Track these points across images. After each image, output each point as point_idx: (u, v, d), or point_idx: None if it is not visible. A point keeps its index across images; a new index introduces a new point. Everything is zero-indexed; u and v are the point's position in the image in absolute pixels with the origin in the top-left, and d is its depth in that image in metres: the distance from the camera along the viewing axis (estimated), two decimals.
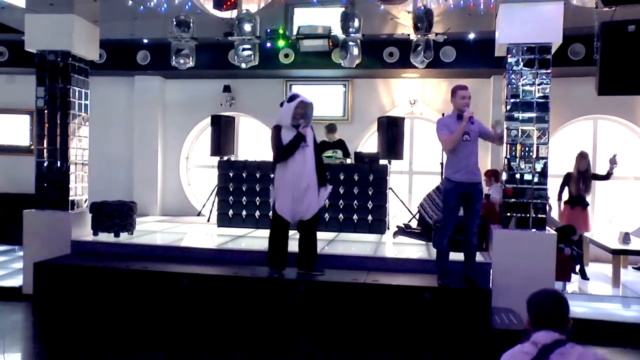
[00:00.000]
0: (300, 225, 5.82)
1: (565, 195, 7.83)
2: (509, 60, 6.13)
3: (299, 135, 5.60)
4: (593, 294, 6.67)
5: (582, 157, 7.70)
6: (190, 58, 7.59)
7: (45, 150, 7.05)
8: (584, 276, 7.22)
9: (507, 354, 2.48)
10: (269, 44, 8.04)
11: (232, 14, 6.93)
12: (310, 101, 5.74)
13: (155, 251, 6.82)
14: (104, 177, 9.78)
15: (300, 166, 5.63)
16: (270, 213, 5.88)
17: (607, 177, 7.62)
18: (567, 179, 7.78)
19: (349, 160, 8.55)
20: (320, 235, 7.65)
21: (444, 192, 5.52)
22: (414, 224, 8.11)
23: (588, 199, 7.85)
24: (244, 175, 8.46)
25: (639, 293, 6.86)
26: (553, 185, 7.34)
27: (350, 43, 7.25)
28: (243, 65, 7.48)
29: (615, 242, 7.38)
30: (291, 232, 7.97)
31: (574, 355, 2.30)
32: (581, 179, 7.64)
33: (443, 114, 5.63)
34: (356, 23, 7.04)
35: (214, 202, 9.24)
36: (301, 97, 5.70)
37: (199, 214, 10.11)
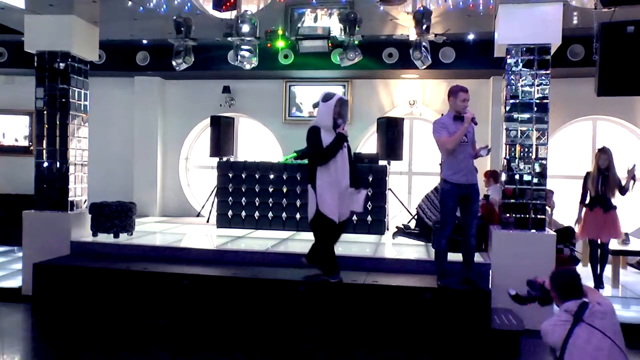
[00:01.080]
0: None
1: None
2: (508, 61, 6.14)
3: (341, 135, 5.44)
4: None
5: (602, 152, 6.78)
6: (189, 58, 7.58)
7: (44, 151, 7.05)
8: (600, 285, 6.91)
9: (548, 325, 3.19)
10: (268, 45, 8.04)
11: (231, 14, 6.92)
12: (347, 99, 5.55)
13: (155, 252, 6.82)
14: (104, 178, 9.78)
15: (341, 166, 5.47)
16: (310, 217, 5.57)
17: (623, 192, 6.75)
18: (586, 179, 6.91)
19: None
20: None
21: (442, 194, 5.51)
22: (413, 224, 8.11)
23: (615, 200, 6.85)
24: (243, 176, 8.46)
25: (638, 293, 6.86)
26: (550, 186, 7.34)
27: (348, 44, 7.24)
28: (244, 66, 7.47)
29: (615, 243, 7.36)
30: (290, 233, 7.98)
31: (598, 308, 3.06)
32: (601, 177, 6.74)
33: (442, 115, 5.62)
34: (356, 24, 7.02)
35: (213, 202, 9.24)
36: (338, 95, 5.51)
37: (198, 215, 10.11)
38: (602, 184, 6.72)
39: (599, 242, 6.90)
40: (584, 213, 6.94)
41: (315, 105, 5.63)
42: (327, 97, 5.49)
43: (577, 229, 7.09)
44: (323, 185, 5.45)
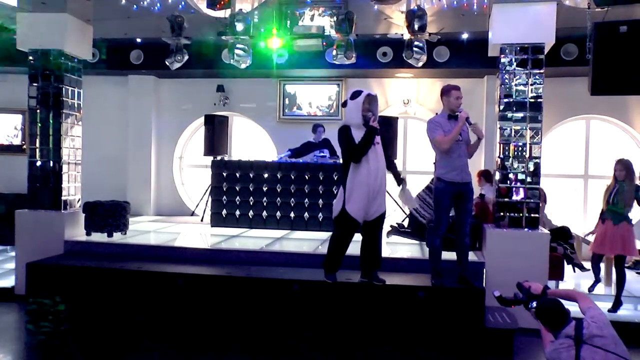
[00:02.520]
0: (363, 227, 5.48)
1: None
2: (502, 60, 6.15)
3: (371, 129, 5.26)
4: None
5: (618, 163, 6.31)
6: (183, 57, 7.57)
7: (37, 150, 7.01)
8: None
9: (553, 352, 3.21)
10: (262, 44, 8.03)
11: (225, 13, 6.92)
12: (375, 94, 5.44)
13: (149, 251, 6.80)
14: (97, 177, 9.73)
15: (374, 164, 5.30)
16: (335, 215, 5.43)
17: None
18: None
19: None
20: (314, 234, 7.70)
21: (436, 192, 5.51)
22: (407, 223, 8.11)
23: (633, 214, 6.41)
24: (237, 175, 8.44)
25: (631, 292, 6.89)
26: (544, 185, 7.34)
27: (343, 43, 7.23)
28: (238, 65, 7.46)
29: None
30: (284, 232, 7.98)
31: (594, 326, 3.14)
32: (616, 189, 6.24)
33: (436, 114, 5.63)
34: (350, 22, 7.02)
35: (207, 201, 9.22)
36: (366, 91, 5.38)
37: (192, 214, 10.09)
38: (614, 195, 6.26)
39: (605, 257, 6.59)
40: (596, 226, 6.56)
41: (344, 105, 5.48)
42: (355, 95, 5.35)
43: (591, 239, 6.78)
44: (353, 184, 5.33)
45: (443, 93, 5.43)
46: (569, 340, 3.17)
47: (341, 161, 5.58)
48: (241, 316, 5.76)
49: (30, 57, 7.01)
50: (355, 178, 5.31)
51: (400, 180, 5.70)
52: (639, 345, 5.07)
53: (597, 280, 6.82)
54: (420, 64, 7.07)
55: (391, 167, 5.63)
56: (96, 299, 6.05)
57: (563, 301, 3.43)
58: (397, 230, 7.58)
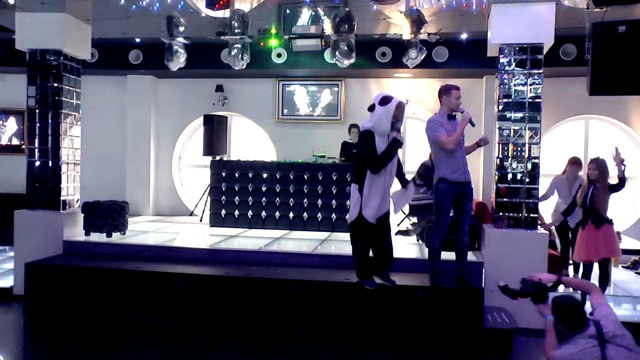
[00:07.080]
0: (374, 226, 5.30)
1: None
2: (501, 60, 6.16)
3: (396, 142, 5.09)
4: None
5: (592, 162, 6.07)
6: (183, 58, 7.57)
7: (36, 150, 7.01)
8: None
9: (574, 355, 3.14)
10: (261, 44, 8.03)
11: (224, 13, 6.92)
12: (405, 102, 5.27)
13: (148, 251, 6.80)
14: (96, 177, 9.74)
15: (389, 173, 5.21)
16: (351, 220, 5.27)
17: (621, 183, 5.88)
18: (578, 190, 6.31)
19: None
20: (313, 235, 7.71)
21: (438, 193, 5.46)
22: (404, 224, 8.13)
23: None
24: (236, 175, 8.45)
25: (629, 292, 6.90)
26: (543, 185, 7.35)
27: (342, 43, 7.24)
28: (235, 65, 7.46)
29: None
30: (283, 232, 7.98)
31: (611, 324, 3.21)
32: (591, 189, 6.00)
33: (435, 114, 5.63)
34: (349, 23, 7.02)
35: (206, 201, 9.22)
36: (397, 99, 5.12)
37: (191, 214, 10.09)
38: (590, 196, 6.00)
39: (594, 262, 6.10)
40: (578, 233, 6.19)
41: (370, 109, 5.18)
42: (385, 100, 5.10)
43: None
44: (370, 191, 5.15)
45: (443, 92, 5.42)
46: (593, 340, 3.14)
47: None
48: (240, 316, 5.76)
49: (29, 57, 7.01)
50: (373, 185, 5.15)
51: (406, 182, 5.46)
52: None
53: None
54: (413, 65, 7.08)
55: (400, 172, 5.45)
56: (95, 299, 6.05)
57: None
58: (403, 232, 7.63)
